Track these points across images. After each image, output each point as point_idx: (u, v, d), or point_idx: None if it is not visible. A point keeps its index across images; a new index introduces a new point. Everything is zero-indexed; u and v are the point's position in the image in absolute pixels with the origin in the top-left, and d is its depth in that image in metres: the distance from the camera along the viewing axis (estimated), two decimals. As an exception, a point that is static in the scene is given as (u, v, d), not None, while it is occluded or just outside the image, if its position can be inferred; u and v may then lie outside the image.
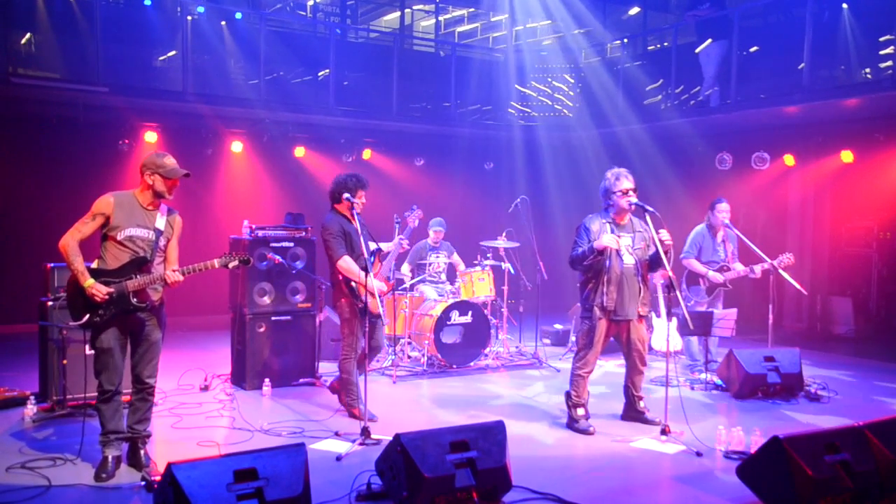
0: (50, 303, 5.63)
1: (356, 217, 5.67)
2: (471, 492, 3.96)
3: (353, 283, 5.56)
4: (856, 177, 9.95)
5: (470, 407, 6.37)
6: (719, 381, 6.95)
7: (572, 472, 4.85)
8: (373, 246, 5.78)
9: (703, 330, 6.97)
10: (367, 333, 5.70)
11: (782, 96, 9.35)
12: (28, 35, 9.44)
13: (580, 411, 5.69)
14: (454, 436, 4.06)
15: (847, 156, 9.64)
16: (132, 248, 4.42)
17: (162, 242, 4.53)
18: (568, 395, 5.75)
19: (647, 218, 5.40)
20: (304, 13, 14.20)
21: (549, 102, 12.39)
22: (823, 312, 10.69)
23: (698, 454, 5.07)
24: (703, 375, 7.17)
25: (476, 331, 7.83)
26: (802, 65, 8.91)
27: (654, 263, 5.63)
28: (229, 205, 10.85)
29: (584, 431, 5.59)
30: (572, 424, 5.69)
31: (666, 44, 11.78)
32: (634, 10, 13.88)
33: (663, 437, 5.35)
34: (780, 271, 7.00)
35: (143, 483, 4.32)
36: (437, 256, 8.43)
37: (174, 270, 4.44)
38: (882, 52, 8.84)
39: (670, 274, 5.29)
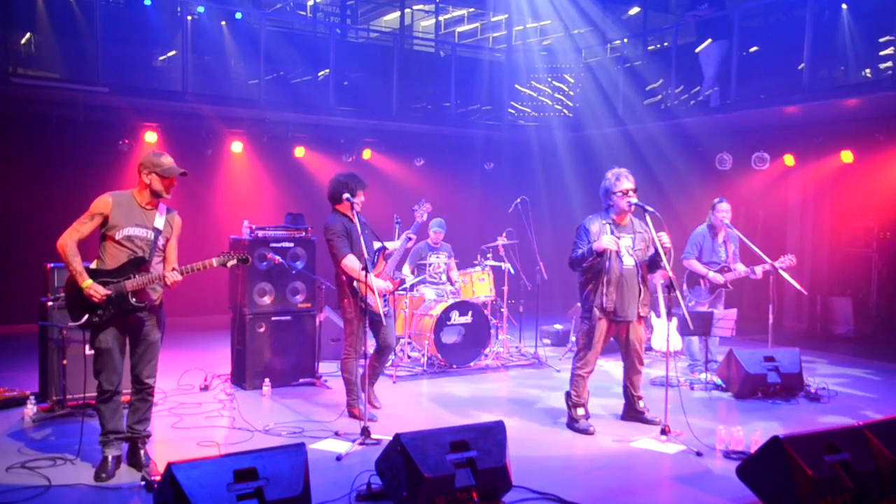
0: (50, 303, 5.62)
1: (357, 217, 5.68)
2: (471, 492, 3.96)
3: (356, 283, 5.56)
4: (856, 177, 9.95)
5: (470, 407, 6.37)
6: (719, 381, 6.95)
7: (572, 472, 4.85)
8: (377, 245, 5.81)
9: (703, 330, 6.96)
10: (375, 333, 5.69)
11: (782, 96, 9.35)
12: (28, 35, 9.44)
13: (580, 411, 5.69)
14: (454, 436, 4.06)
15: (847, 156, 9.63)
16: (131, 248, 4.42)
17: (161, 242, 4.52)
18: (568, 395, 5.75)
19: (647, 218, 5.40)
20: (304, 13, 14.21)
21: (549, 102, 12.39)
22: (823, 312, 10.69)
23: (698, 454, 5.07)
24: (703, 375, 7.17)
25: (476, 331, 7.83)
26: (802, 65, 8.91)
27: (654, 264, 5.63)
28: (229, 205, 10.85)
29: (584, 431, 5.59)
30: (572, 424, 5.69)
31: (666, 44, 11.78)
32: (634, 10, 13.88)
33: (663, 437, 5.35)
34: (781, 272, 7.00)
35: (143, 483, 4.32)
36: (437, 257, 8.43)
37: (173, 270, 4.43)
38: (882, 53, 8.84)
39: (670, 274, 5.29)
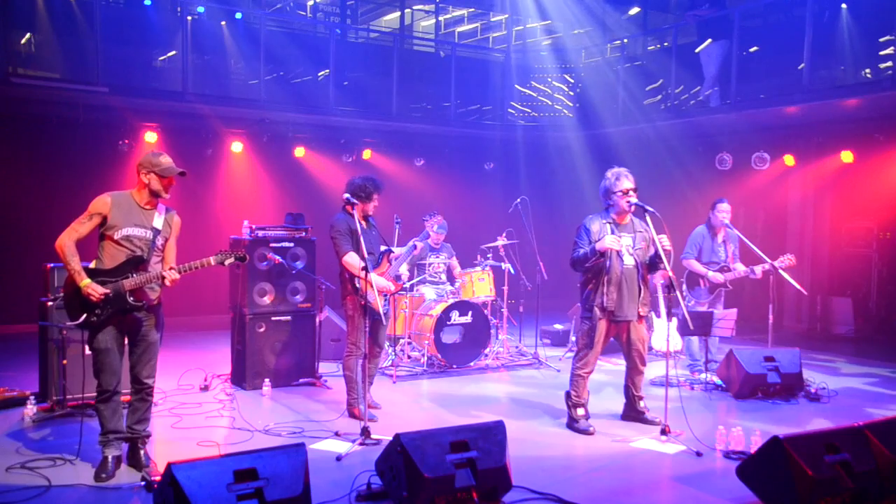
0: (50, 303, 5.62)
1: (367, 219, 5.87)
2: (471, 492, 3.96)
3: (357, 281, 5.62)
4: (856, 177, 9.95)
5: (470, 407, 6.37)
6: (719, 381, 6.95)
7: (572, 472, 4.85)
8: (383, 247, 5.93)
9: (703, 330, 6.96)
10: (369, 332, 5.71)
11: (782, 96, 9.35)
12: (28, 35, 9.43)
13: (580, 411, 5.69)
14: (454, 436, 4.06)
15: (847, 156, 9.64)
16: (129, 248, 4.41)
17: (159, 242, 4.52)
18: (568, 395, 5.75)
19: (648, 218, 5.40)
20: (304, 13, 14.21)
21: (549, 102, 12.39)
22: (823, 312, 10.69)
23: (698, 454, 5.07)
24: (703, 375, 7.17)
25: (476, 331, 7.83)
26: (802, 65, 8.91)
27: (654, 265, 5.63)
28: (229, 205, 10.85)
29: (584, 431, 5.59)
30: (572, 424, 5.69)
31: (666, 44, 11.78)
32: (634, 10, 13.88)
33: (663, 437, 5.35)
34: (781, 272, 7.00)
35: (143, 483, 4.32)
36: (438, 257, 8.43)
37: (170, 269, 4.43)
38: (882, 53, 8.83)
39: (670, 274, 5.29)
